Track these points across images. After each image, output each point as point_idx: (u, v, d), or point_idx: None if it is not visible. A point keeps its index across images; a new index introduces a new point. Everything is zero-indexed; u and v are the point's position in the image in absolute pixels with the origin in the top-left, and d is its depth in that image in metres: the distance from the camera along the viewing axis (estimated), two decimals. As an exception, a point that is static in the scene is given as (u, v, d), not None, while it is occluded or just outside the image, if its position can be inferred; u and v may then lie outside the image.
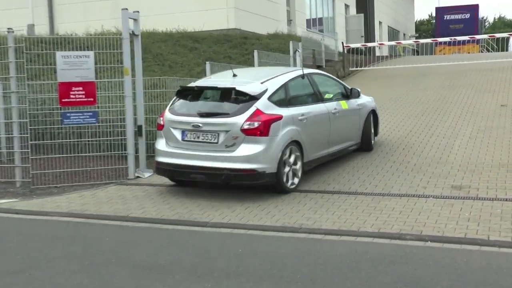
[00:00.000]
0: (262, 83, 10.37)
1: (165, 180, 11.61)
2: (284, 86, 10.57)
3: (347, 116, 12.38)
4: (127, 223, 8.93)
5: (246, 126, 9.82)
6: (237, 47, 25.33)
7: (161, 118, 10.58)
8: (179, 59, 22.84)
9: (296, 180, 10.42)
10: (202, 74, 19.39)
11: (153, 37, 24.76)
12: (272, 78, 10.63)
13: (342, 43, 31.67)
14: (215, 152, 9.91)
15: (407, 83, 24.15)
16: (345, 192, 10.25)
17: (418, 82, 24.08)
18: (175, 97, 10.92)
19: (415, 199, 9.48)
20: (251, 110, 9.94)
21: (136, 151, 12.71)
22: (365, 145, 13.14)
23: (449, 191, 9.94)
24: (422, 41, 31.31)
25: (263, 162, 9.73)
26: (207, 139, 9.99)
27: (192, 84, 10.98)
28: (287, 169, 10.30)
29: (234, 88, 10.25)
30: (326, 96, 11.87)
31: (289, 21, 34.95)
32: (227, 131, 9.86)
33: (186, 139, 10.16)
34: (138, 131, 12.27)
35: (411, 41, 32.53)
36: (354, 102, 12.84)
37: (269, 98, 10.13)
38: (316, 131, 11.03)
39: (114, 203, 10.16)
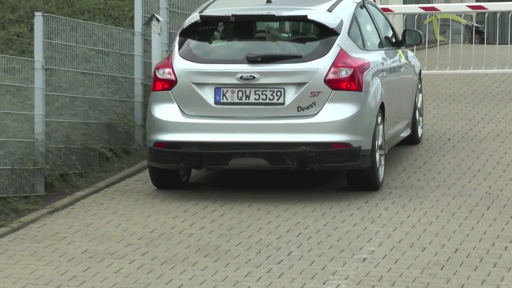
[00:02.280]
0: (329, 11, 7.84)
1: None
2: (355, 18, 8.13)
3: (406, 76, 9.40)
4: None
5: (332, 76, 7.45)
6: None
7: (168, 70, 7.54)
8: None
9: (382, 169, 7.92)
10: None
11: None
12: (335, 3, 8.07)
13: None
14: (281, 119, 7.50)
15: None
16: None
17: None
18: (181, 36, 7.90)
19: None
20: (334, 50, 7.54)
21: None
22: (411, 133, 9.62)
23: None
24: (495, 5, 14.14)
25: (359, 133, 7.54)
26: (265, 99, 7.51)
27: (221, 13, 7.94)
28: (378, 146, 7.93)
29: (305, 17, 7.69)
30: (383, 40, 9.06)
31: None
32: (300, 85, 7.49)
33: (224, 101, 7.54)
34: None
35: (464, 6, 14.00)
36: (409, 55, 9.81)
37: (349, 34, 7.85)
38: (392, 91, 8.46)
39: None
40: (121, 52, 9.12)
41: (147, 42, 9.34)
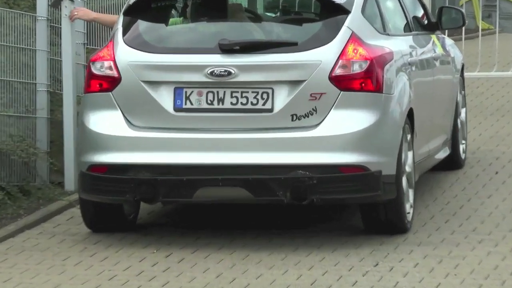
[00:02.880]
0: None
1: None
2: None
3: (443, 72, 8.24)
4: None
5: (340, 71, 6.44)
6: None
7: (108, 63, 6.63)
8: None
9: (411, 209, 6.95)
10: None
11: None
12: None
13: None
14: (268, 133, 6.50)
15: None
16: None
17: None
18: (126, 15, 6.94)
19: None
20: (343, 35, 6.53)
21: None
22: (450, 153, 8.57)
23: None
24: None
25: (378, 151, 6.51)
26: (245, 104, 6.56)
27: None
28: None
29: None
30: (411, 22, 8.04)
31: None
32: (296, 84, 6.50)
33: (187, 106, 6.59)
34: None
35: None
36: (446, 42, 8.59)
37: (363, 13, 6.98)
38: (424, 93, 7.43)
39: None
40: (17, 46, 7.63)
41: (54, 31, 7.80)
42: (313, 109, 6.28)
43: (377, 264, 5.91)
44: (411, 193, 6.79)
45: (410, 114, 6.84)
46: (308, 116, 6.29)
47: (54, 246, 6.50)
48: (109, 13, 8.30)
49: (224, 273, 5.84)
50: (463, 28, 9.50)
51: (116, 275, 5.81)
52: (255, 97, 6.33)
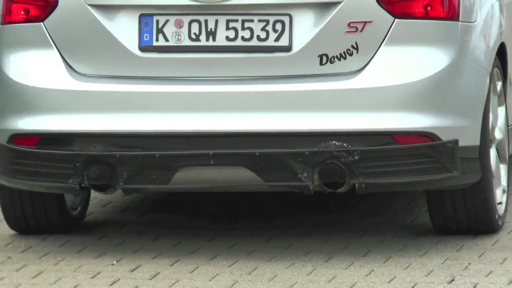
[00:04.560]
0: None
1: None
2: None
3: None
4: None
5: None
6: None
7: None
8: None
9: (504, 196, 5.54)
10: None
11: None
12: None
13: None
14: (284, 82, 4.99)
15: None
16: None
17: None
18: None
19: None
20: None
21: None
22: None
23: None
24: None
25: (453, 112, 5.04)
26: (248, 40, 5.03)
27: None
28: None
29: None
30: None
31: None
32: (325, 7, 5.04)
33: (159, 43, 5.11)
34: None
35: None
36: None
37: None
38: None
39: None
40: None
41: None
42: (352, 46, 4.81)
43: (452, 280, 4.50)
44: (503, 172, 5.36)
45: (501, 52, 5.41)
46: (345, 58, 4.82)
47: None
48: None
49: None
50: None
51: (54, 302, 4.42)
52: (263, 29, 4.85)
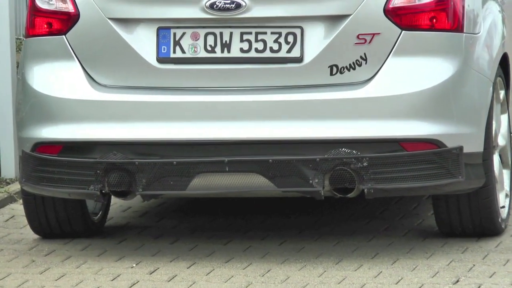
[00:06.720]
0: None
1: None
2: None
3: None
4: None
5: (400, 0, 5.27)
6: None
7: None
8: None
9: (507, 200, 5.73)
10: None
11: None
12: None
13: None
14: (296, 93, 5.19)
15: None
16: None
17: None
18: None
19: None
20: None
21: None
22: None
23: None
24: None
25: (458, 119, 5.25)
26: (262, 51, 5.23)
27: None
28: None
29: None
30: None
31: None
32: (335, 20, 5.22)
33: (176, 55, 5.30)
34: None
35: None
36: None
37: None
38: None
39: None
40: None
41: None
42: (361, 57, 5.00)
43: (457, 281, 4.69)
44: (506, 177, 5.54)
45: (504, 62, 5.58)
46: (354, 68, 5.01)
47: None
48: None
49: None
50: None
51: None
52: (276, 41, 5.04)
